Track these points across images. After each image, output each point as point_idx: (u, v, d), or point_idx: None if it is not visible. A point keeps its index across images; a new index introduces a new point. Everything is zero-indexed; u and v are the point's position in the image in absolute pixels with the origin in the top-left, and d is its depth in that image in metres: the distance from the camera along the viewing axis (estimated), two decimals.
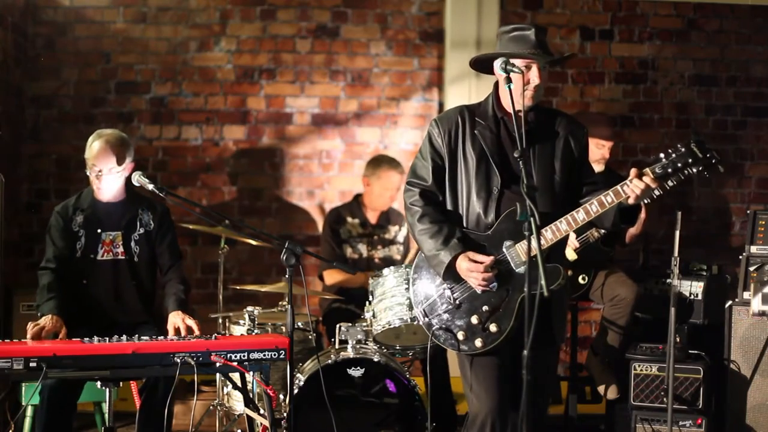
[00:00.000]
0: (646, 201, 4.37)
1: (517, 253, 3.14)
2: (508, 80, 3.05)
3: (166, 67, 5.80)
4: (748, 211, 4.64)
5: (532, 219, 2.75)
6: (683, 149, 3.09)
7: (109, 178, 3.93)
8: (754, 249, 4.45)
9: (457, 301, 3.20)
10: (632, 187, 3.07)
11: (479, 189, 3.19)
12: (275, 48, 5.84)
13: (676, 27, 5.97)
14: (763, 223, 4.48)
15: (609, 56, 5.96)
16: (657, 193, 4.42)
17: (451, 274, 3.18)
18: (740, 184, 6.00)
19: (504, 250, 3.16)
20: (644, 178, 3.06)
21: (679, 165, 3.08)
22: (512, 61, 3.13)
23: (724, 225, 6.01)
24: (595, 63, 5.97)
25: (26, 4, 5.65)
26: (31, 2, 5.69)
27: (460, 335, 3.18)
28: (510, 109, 3.14)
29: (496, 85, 3.29)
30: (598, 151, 4.74)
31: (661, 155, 3.11)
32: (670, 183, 4.34)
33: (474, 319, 3.16)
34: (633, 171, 3.08)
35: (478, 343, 3.16)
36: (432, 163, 3.26)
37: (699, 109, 5.98)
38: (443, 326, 3.21)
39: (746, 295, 4.35)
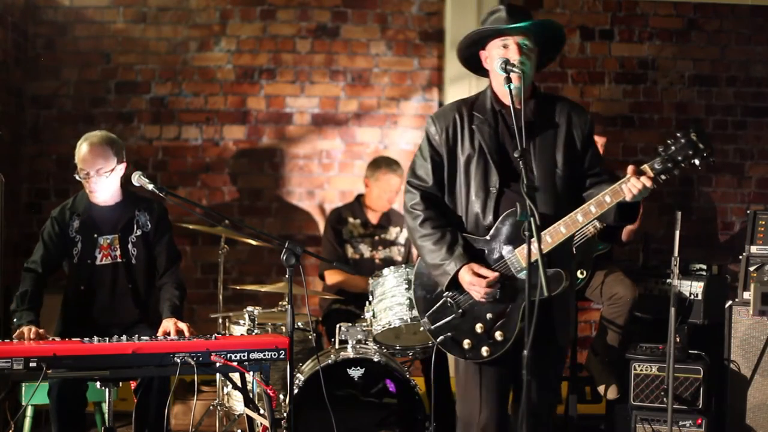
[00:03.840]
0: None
1: (517, 259, 3.07)
2: (508, 80, 2.97)
3: (166, 67, 5.79)
4: (748, 211, 4.64)
5: (532, 219, 2.71)
6: (683, 140, 2.95)
7: (99, 180, 3.88)
8: (754, 249, 4.46)
9: (461, 310, 3.14)
10: (629, 186, 2.95)
11: (477, 188, 3.12)
12: (275, 48, 5.84)
13: (676, 27, 5.97)
14: (763, 223, 4.48)
15: (609, 56, 5.96)
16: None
17: (454, 283, 3.12)
18: (740, 184, 5.98)
19: (504, 255, 3.09)
20: (642, 177, 2.93)
21: (680, 158, 2.95)
22: (497, 51, 3.09)
23: (724, 225, 6.01)
24: (595, 63, 5.96)
25: (26, 4, 5.65)
26: (31, 2, 5.69)
27: (466, 344, 3.13)
28: (508, 102, 3.08)
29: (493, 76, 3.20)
30: None
31: (660, 149, 2.97)
32: (663, 177, 4.38)
33: (479, 328, 3.10)
34: (630, 168, 2.96)
35: (484, 352, 3.10)
36: (431, 162, 3.18)
37: (699, 109, 5.97)
38: (449, 335, 3.15)
39: (746, 295, 4.35)
